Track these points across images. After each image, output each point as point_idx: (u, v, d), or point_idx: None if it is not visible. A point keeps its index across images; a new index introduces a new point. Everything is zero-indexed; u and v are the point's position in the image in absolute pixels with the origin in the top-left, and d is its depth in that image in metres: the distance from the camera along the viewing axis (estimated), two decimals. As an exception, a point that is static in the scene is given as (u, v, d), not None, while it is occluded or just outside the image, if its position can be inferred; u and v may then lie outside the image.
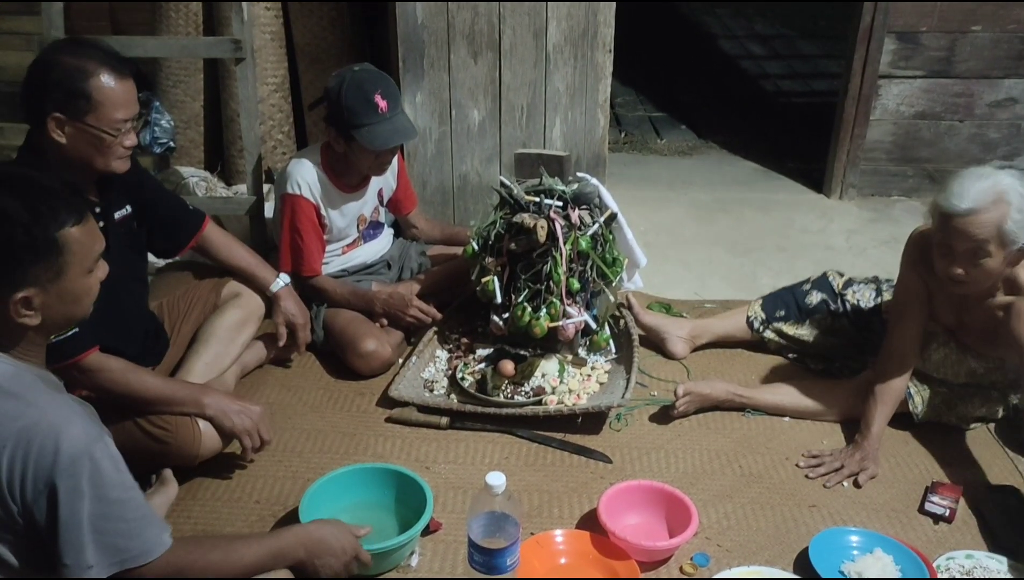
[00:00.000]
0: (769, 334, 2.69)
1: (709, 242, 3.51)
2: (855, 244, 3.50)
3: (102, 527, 1.37)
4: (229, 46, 2.76)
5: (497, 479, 1.62)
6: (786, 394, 2.45)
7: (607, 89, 3.64)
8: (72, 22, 3.52)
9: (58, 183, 1.45)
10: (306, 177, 2.58)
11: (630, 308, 2.72)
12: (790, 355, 2.70)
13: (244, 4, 2.70)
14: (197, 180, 3.25)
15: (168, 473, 2.00)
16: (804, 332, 2.65)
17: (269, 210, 2.97)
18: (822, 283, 2.67)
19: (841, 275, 2.69)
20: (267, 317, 2.51)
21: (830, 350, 2.62)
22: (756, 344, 2.73)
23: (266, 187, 3.12)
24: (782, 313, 2.67)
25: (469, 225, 2.63)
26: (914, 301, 2.29)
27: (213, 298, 2.46)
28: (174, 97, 3.46)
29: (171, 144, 3.44)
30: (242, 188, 3.28)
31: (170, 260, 2.64)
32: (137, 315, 2.23)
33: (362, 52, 3.51)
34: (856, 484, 2.17)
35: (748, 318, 2.70)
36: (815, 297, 2.65)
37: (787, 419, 2.42)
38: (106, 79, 1.88)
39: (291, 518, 2.00)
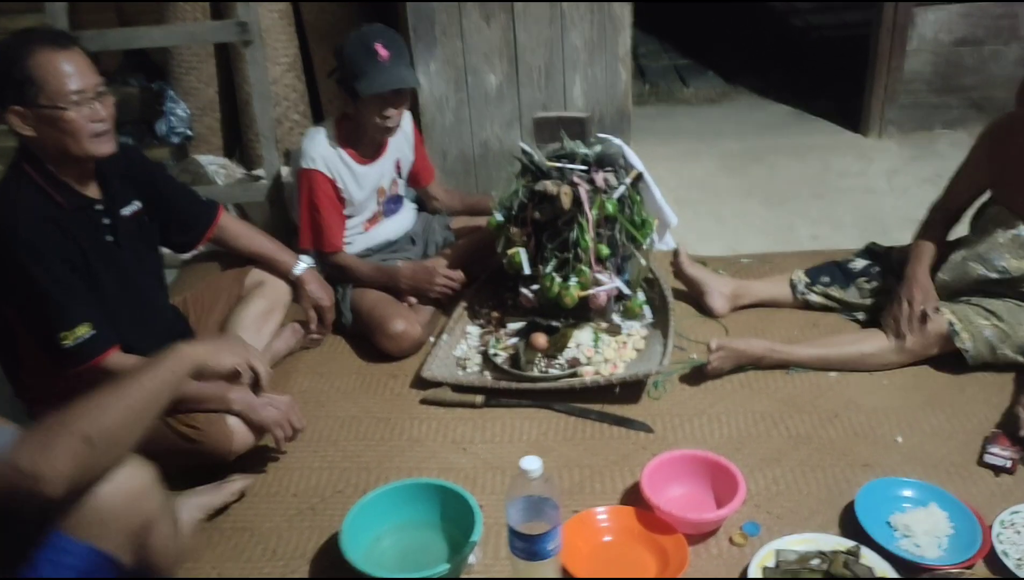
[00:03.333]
0: (814, 297, 2.58)
1: (742, 194, 3.39)
2: (897, 185, 3.35)
3: None
4: (235, 29, 2.69)
5: (532, 463, 1.56)
6: (830, 345, 2.36)
7: (627, 42, 3.51)
8: (78, 15, 3.47)
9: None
10: (320, 150, 2.52)
11: (676, 257, 2.63)
12: (838, 313, 2.59)
13: (247, -15, 2.63)
14: (216, 168, 3.21)
15: (237, 486, 1.99)
16: (851, 294, 2.54)
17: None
18: (866, 251, 2.59)
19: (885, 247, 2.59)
20: (293, 302, 2.47)
21: (880, 308, 2.51)
22: (801, 308, 2.62)
23: (285, 169, 3.07)
24: (827, 279, 2.57)
25: (491, 194, 2.54)
26: (976, 172, 2.34)
27: (236, 289, 2.42)
28: (188, 85, 3.41)
29: (188, 132, 3.41)
30: (262, 172, 3.24)
31: (189, 254, 2.60)
32: (156, 311, 2.20)
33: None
34: (923, 319, 2.23)
35: (791, 281, 2.60)
36: (860, 262, 2.54)
37: (833, 374, 2.33)
38: (44, 55, 1.80)
39: (329, 510, 1.97)
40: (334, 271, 2.61)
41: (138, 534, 1.41)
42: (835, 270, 2.61)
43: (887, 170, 3.48)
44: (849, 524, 1.82)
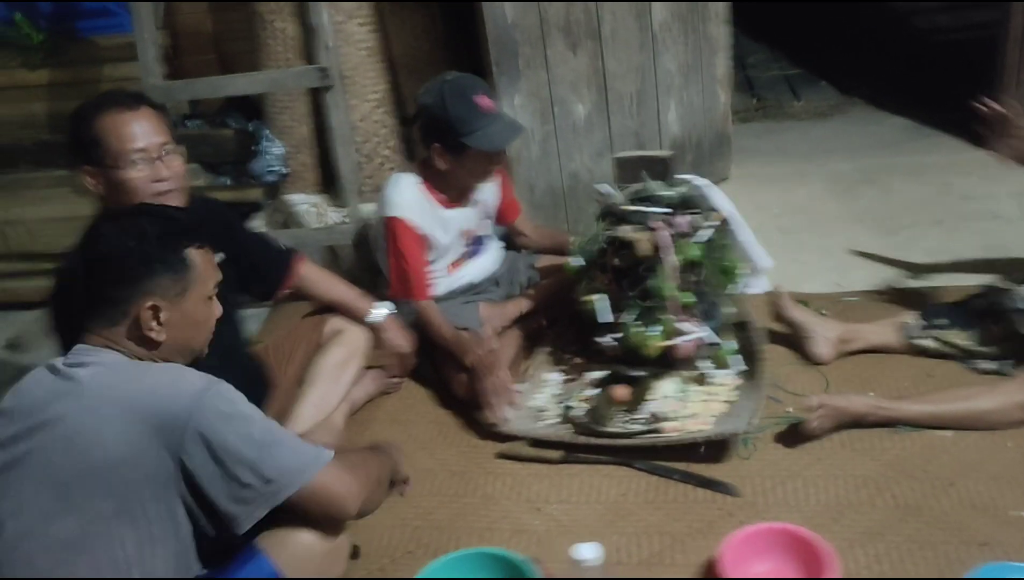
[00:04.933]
0: (929, 342, 2.35)
1: (851, 221, 3.15)
2: (1029, 210, 3.05)
3: (261, 440, 1.46)
4: (316, 75, 2.70)
5: (589, 552, 1.45)
6: (945, 400, 2.13)
7: (726, 62, 3.36)
8: (181, 59, 3.61)
9: (184, 215, 1.69)
10: (405, 196, 2.49)
11: (777, 300, 2.45)
12: (955, 361, 2.34)
13: (327, 31, 2.63)
14: (307, 206, 3.24)
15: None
16: (973, 339, 2.30)
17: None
18: (989, 290, 2.32)
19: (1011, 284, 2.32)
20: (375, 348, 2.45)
21: (1009, 355, 2.26)
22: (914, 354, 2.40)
23: (372, 207, 3.06)
24: (944, 321, 2.33)
25: (572, 240, 2.45)
26: None
27: (316, 336, 2.42)
28: (282, 123, 3.46)
29: (283, 170, 3.46)
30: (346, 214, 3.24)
31: (270, 302, 2.63)
32: (231, 359, 2.21)
33: (459, 57, 3.38)
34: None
35: (904, 325, 2.38)
36: (983, 302, 2.29)
37: (949, 433, 2.10)
38: (110, 116, 1.88)
39: (400, 571, 1.93)
40: (417, 320, 2.55)
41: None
42: (954, 311, 2.36)
43: (1017, 192, 3.15)
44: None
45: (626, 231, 2.16)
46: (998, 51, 3.34)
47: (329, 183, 3.58)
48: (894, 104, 4.08)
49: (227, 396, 1.48)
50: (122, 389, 1.44)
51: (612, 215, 2.28)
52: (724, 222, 2.23)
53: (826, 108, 4.28)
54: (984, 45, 3.78)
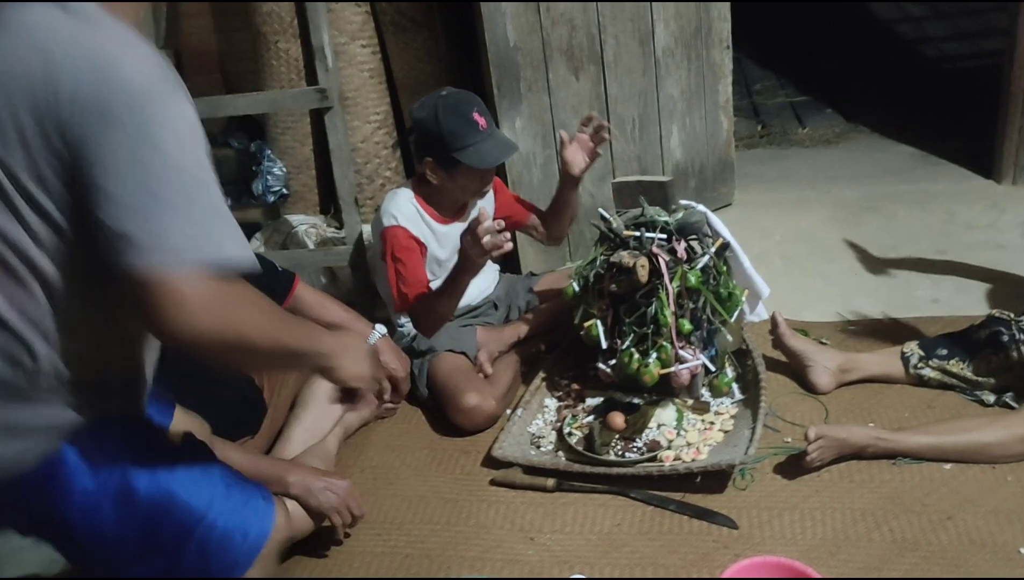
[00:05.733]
0: (929, 372, 2.31)
1: (854, 248, 3.12)
2: (1034, 240, 3.02)
3: (174, 193, 1.15)
4: (315, 96, 2.70)
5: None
6: (945, 431, 2.09)
7: (728, 89, 3.35)
8: (185, 79, 3.60)
9: None
10: (402, 209, 2.47)
11: (776, 329, 2.42)
12: (957, 391, 2.31)
13: (328, 52, 2.63)
14: (306, 227, 3.24)
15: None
16: (973, 371, 2.27)
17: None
18: (990, 320, 2.28)
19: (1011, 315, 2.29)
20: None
21: (1010, 385, 2.23)
22: (914, 384, 2.36)
23: (367, 228, 3.05)
24: (944, 351, 2.30)
25: (569, 265, 2.43)
26: None
27: (311, 360, 2.39)
28: (284, 144, 3.47)
29: (284, 191, 3.46)
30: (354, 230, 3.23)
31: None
32: (224, 380, 2.19)
33: (462, 80, 3.38)
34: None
35: (904, 354, 2.34)
36: (984, 332, 2.26)
37: (948, 466, 2.06)
38: None
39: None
40: (423, 316, 2.49)
41: None
42: (955, 341, 2.33)
43: (1022, 222, 3.13)
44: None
45: (623, 256, 2.14)
46: (1004, 80, 3.32)
47: (329, 204, 3.58)
48: (899, 132, 4.06)
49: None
50: None
51: (610, 240, 2.26)
52: (724, 248, 2.21)
53: (831, 135, 4.26)
54: (990, 73, 3.77)
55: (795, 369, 2.43)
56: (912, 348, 2.35)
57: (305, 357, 1.44)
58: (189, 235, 1.16)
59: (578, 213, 2.78)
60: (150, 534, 1.37)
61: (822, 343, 2.53)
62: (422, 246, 2.49)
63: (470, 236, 2.26)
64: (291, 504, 1.96)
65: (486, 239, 2.21)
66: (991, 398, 2.25)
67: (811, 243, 3.20)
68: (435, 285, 2.56)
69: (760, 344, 2.47)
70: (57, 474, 1.31)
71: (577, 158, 2.51)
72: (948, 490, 2.00)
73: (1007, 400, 2.22)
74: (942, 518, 1.93)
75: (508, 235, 2.26)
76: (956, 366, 2.29)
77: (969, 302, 2.73)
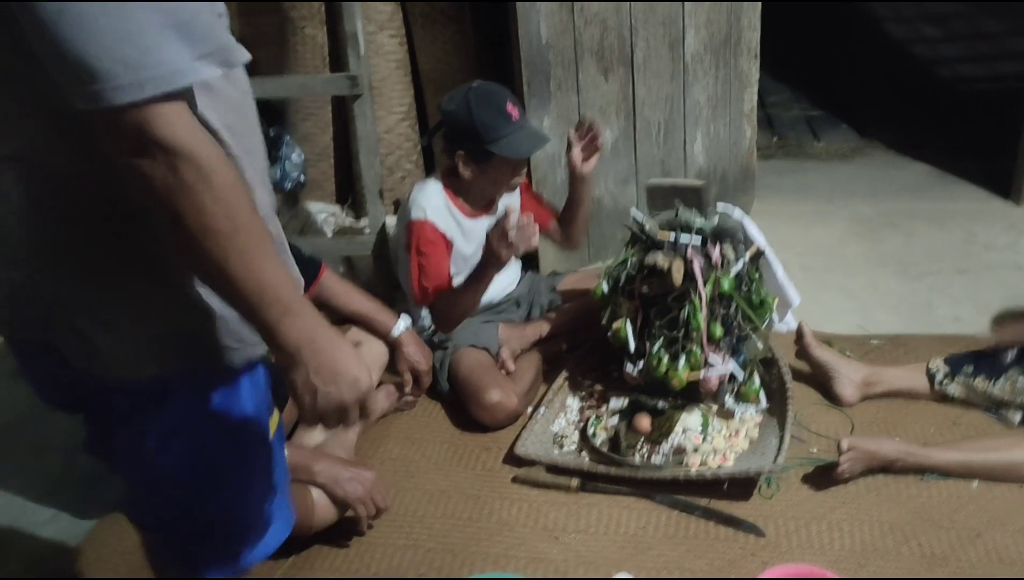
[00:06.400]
0: (954, 389, 2.31)
1: (874, 264, 3.12)
2: (1053, 261, 3.03)
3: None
4: (346, 83, 2.67)
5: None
6: (975, 449, 2.09)
7: (753, 97, 3.35)
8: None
9: None
10: (432, 200, 2.45)
11: (801, 339, 2.41)
12: (983, 410, 2.31)
13: (360, 40, 2.60)
14: (325, 216, 3.20)
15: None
16: (1001, 388, 2.26)
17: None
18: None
19: None
20: (389, 364, 2.40)
21: None
22: (939, 401, 2.36)
23: (392, 219, 3.02)
24: (970, 368, 2.30)
25: (594, 265, 2.41)
26: None
27: (333, 348, 2.36)
28: (304, 130, 3.43)
29: (301, 179, 3.42)
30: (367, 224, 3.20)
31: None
32: None
33: (490, 76, 3.35)
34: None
35: (929, 370, 2.34)
36: (1012, 352, 2.26)
37: (975, 483, 2.06)
38: None
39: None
40: (445, 312, 2.48)
41: None
42: (982, 359, 2.33)
43: (1042, 244, 3.15)
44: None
45: (658, 258, 2.12)
46: (1022, 103, 3.33)
47: (346, 194, 3.55)
48: (916, 150, 4.07)
49: None
50: None
51: (642, 241, 2.25)
52: (758, 255, 2.20)
53: (846, 150, 4.26)
54: (1007, 96, 3.79)
55: (820, 380, 2.42)
56: (938, 364, 2.35)
57: (255, 310, 1.04)
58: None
59: (591, 215, 2.76)
60: (200, 492, 1.31)
61: (846, 355, 2.52)
62: (448, 242, 2.48)
63: (497, 230, 2.25)
64: (315, 493, 1.94)
65: (513, 233, 2.21)
66: (1017, 417, 2.25)
67: (830, 257, 3.19)
68: (458, 281, 2.54)
69: (785, 354, 2.46)
70: (164, 394, 1.21)
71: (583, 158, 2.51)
72: (976, 507, 2.00)
73: (1032, 420, 2.22)
74: (971, 535, 1.92)
75: (536, 228, 2.25)
76: (982, 384, 2.29)
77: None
